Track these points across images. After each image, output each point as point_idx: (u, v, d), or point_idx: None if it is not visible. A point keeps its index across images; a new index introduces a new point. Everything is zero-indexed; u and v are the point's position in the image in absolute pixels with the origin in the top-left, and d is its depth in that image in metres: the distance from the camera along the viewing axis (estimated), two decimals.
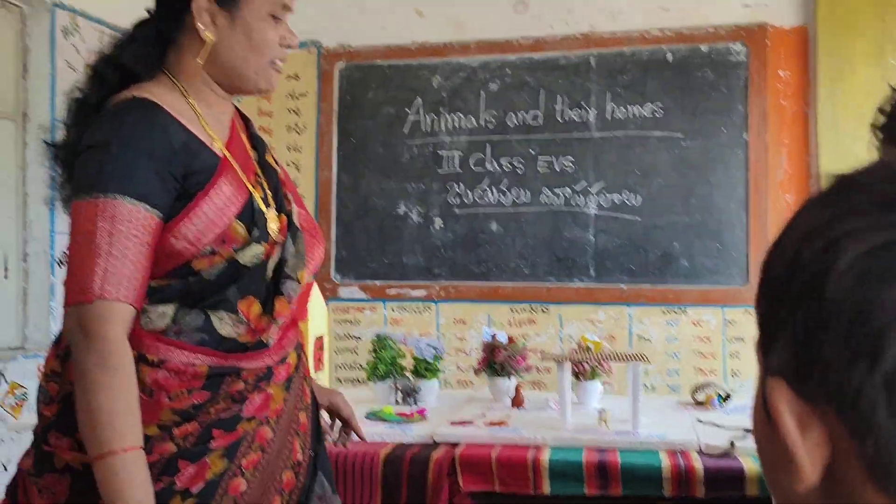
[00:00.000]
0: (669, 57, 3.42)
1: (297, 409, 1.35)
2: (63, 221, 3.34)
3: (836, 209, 0.45)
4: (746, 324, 3.35)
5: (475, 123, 3.60)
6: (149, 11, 1.33)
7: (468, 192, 3.61)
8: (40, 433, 1.22)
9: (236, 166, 1.27)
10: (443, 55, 3.62)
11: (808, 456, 0.44)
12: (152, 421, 1.17)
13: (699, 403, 2.28)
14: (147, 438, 1.16)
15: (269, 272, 1.26)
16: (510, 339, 2.23)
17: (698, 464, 1.80)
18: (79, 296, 1.13)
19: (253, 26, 1.27)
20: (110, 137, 1.17)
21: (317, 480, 1.38)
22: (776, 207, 3.32)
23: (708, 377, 3.23)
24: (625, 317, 3.46)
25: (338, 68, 3.69)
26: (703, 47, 3.38)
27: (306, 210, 1.42)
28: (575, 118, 3.51)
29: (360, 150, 3.67)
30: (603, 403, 2.13)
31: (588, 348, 2.08)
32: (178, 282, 1.20)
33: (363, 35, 3.66)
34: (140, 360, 1.16)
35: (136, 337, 1.17)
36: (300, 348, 1.40)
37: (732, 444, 1.85)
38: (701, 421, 2.10)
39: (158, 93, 1.24)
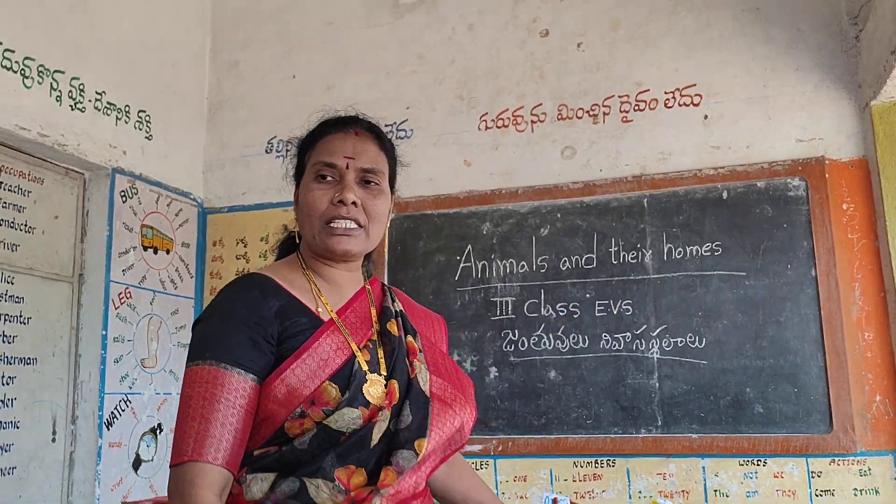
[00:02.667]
0: (725, 195, 3.33)
1: None
2: (112, 383, 3.30)
3: None
4: (835, 475, 3.06)
5: (527, 269, 3.53)
6: None
7: (523, 338, 3.48)
8: None
9: (344, 331, 1.26)
10: (492, 202, 3.61)
11: None
12: None
13: None
14: None
15: (375, 440, 1.19)
16: None
17: None
18: (175, 458, 1.15)
19: (301, 195, 1.35)
20: (213, 311, 1.25)
21: None
22: (854, 347, 3.10)
23: None
24: (698, 469, 3.20)
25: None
26: (760, 183, 3.30)
27: (454, 380, 1.36)
28: (630, 260, 3.41)
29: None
30: None
31: None
32: (275, 450, 1.20)
33: (412, 186, 3.69)
34: None
35: None
36: None
37: None
38: None
39: (278, 267, 1.35)
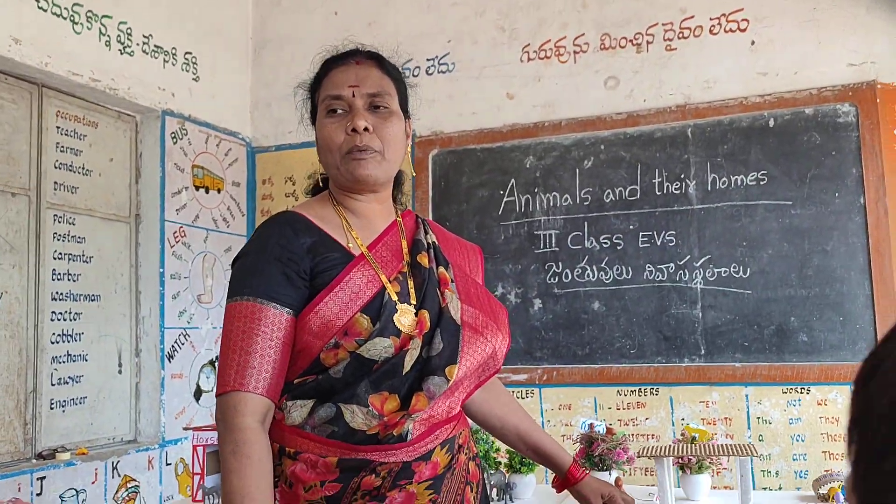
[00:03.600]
0: (771, 123, 3.28)
1: None
2: (172, 317, 3.46)
3: None
4: None
5: (571, 201, 3.55)
6: None
7: (567, 270, 3.53)
8: None
9: (374, 264, 1.32)
10: (534, 135, 3.61)
11: None
12: None
13: (823, 499, 2.07)
14: None
15: (407, 367, 1.26)
16: (609, 430, 2.10)
17: None
18: (219, 388, 1.23)
19: (318, 132, 1.39)
20: (249, 249, 1.32)
21: None
22: None
23: (836, 464, 2.96)
24: (741, 397, 3.24)
25: (431, 155, 3.74)
26: (808, 110, 3.23)
27: (486, 308, 1.41)
28: (674, 191, 3.40)
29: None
30: (713, 499, 1.97)
31: (693, 438, 1.93)
32: (312, 379, 1.26)
33: (455, 121, 3.71)
34: (281, 452, 1.26)
35: (279, 431, 1.26)
36: (461, 448, 1.36)
37: None
38: None
39: (310, 205, 1.41)
